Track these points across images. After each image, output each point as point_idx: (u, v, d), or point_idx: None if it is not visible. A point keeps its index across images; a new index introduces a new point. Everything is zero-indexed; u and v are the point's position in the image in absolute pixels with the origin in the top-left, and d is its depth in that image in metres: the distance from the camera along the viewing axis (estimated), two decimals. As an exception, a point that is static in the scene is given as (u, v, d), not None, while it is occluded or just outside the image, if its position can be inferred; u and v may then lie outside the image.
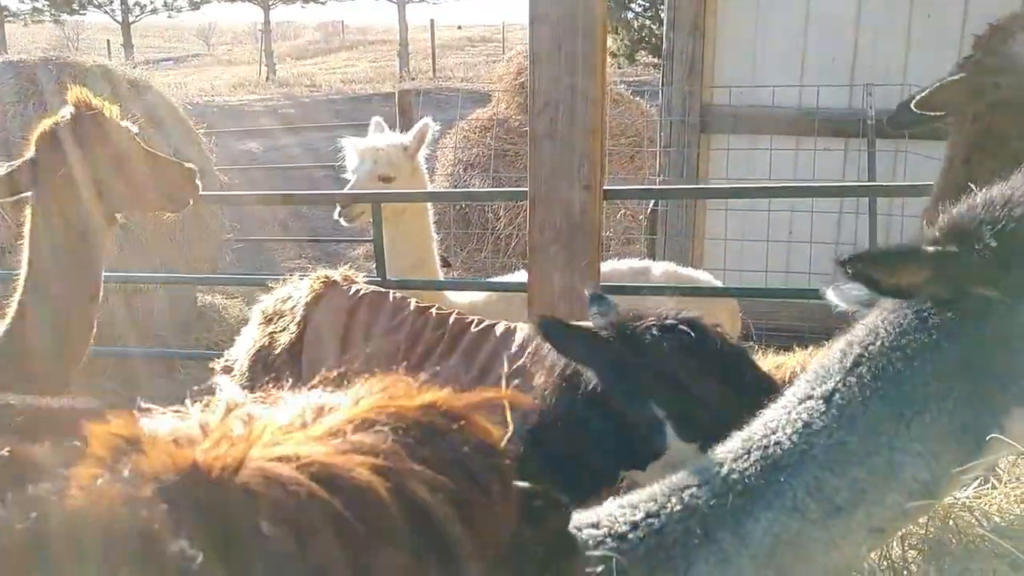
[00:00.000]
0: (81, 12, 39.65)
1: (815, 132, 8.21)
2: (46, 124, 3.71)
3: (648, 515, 1.81)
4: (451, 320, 3.54)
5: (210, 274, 8.46)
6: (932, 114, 3.11)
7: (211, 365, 3.87)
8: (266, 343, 3.60)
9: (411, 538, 0.88)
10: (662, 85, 9.06)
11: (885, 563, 2.03)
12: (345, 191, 5.60)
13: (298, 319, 3.56)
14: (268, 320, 3.66)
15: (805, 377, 1.82)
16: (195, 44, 58.55)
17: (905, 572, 2.00)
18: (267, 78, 33.59)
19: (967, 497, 2.09)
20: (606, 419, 2.30)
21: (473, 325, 3.51)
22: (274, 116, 24.05)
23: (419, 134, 5.68)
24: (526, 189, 4.38)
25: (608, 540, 1.82)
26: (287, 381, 3.42)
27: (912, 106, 3.09)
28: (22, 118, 7.54)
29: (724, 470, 1.77)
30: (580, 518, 1.93)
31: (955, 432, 1.66)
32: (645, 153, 12.01)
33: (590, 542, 1.84)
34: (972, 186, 1.76)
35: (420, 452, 0.92)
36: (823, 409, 1.73)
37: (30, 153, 3.70)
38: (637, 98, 13.87)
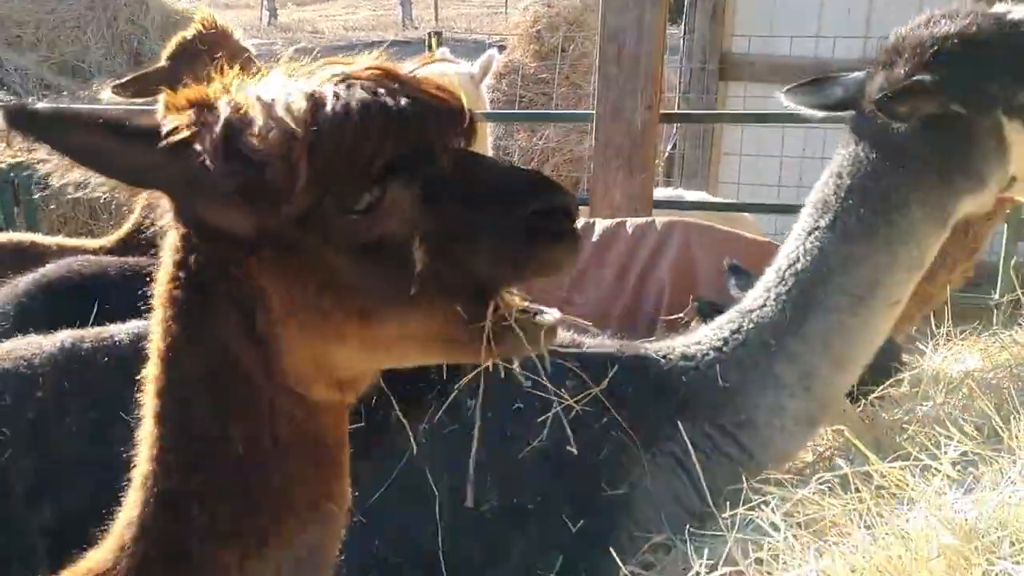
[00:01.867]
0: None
1: (830, 82, 8.64)
2: (178, 38, 4.17)
3: (733, 332, 2.40)
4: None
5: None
6: None
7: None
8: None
9: None
10: (684, 32, 9.44)
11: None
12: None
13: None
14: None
15: (807, 212, 2.46)
16: (188, -13, 57.71)
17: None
18: (268, 23, 33.48)
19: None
20: None
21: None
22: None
23: (485, 64, 6.10)
24: (589, 111, 4.85)
25: (711, 352, 2.42)
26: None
27: None
28: (81, 43, 7.88)
29: (772, 295, 2.44)
30: (685, 339, 2.52)
31: (929, 218, 2.34)
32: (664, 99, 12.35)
33: (698, 354, 2.44)
34: None
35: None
36: (829, 235, 2.37)
37: (161, 63, 4.16)
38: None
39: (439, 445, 2.32)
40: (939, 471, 2.12)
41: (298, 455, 1.35)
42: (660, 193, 6.19)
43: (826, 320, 2.35)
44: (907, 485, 2.06)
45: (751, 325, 2.43)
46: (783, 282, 2.42)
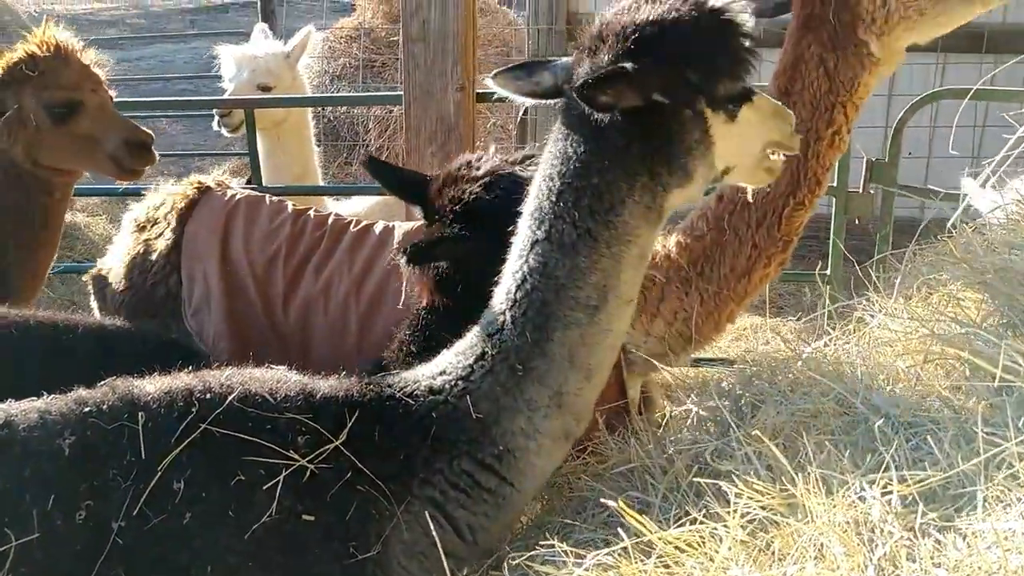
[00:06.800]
0: None
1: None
2: (5, 61, 3.53)
3: (477, 359, 2.26)
4: (330, 221, 3.60)
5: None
6: None
7: (83, 277, 3.81)
8: (141, 250, 3.56)
9: None
10: (529, -7, 9.10)
11: (733, 412, 2.32)
12: (221, 98, 5.48)
13: (173, 225, 3.53)
14: (142, 227, 3.61)
15: (526, 223, 2.26)
16: (24, -53, 53.48)
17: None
18: (110, -15, 31.22)
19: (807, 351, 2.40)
20: None
21: (352, 225, 3.58)
22: (123, 26, 22.54)
23: (301, 43, 5.60)
24: (401, 94, 4.43)
25: (459, 383, 2.26)
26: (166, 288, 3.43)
27: None
28: None
29: (508, 318, 2.24)
30: (428, 369, 2.24)
31: (643, 215, 2.20)
32: (513, 63, 11.99)
33: (445, 387, 2.14)
34: None
35: None
36: (550, 248, 2.20)
37: None
38: (504, 8, 13.77)
39: (142, 543, 1.93)
40: (728, 529, 1.86)
41: None
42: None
43: (567, 335, 2.21)
44: (692, 554, 1.78)
45: (495, 351, 2.24)
46: (516, 304, 2.23)
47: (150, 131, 3.81)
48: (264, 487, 2.01)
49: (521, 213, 2.55)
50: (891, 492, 1.75)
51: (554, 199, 2.19)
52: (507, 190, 2.64)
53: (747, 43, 2.19)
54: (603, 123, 2.12)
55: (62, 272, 5.96)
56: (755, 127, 2.27)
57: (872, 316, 2.54)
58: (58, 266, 5.98)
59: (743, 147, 2.28)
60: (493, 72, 2.39)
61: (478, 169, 2.75)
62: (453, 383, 2.26)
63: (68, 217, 8.84)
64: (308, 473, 2.06)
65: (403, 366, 2.73)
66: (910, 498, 1.75)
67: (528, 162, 2.77)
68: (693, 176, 2.20)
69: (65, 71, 3.58)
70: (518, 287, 2.23)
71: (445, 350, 2.36)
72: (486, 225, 2.59)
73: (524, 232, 2.25)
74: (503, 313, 2.24)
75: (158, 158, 3.82)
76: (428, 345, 2.72)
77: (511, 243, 2.56)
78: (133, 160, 3.73)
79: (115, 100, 3.87)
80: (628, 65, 2.07)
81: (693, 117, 2.17)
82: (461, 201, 2.66)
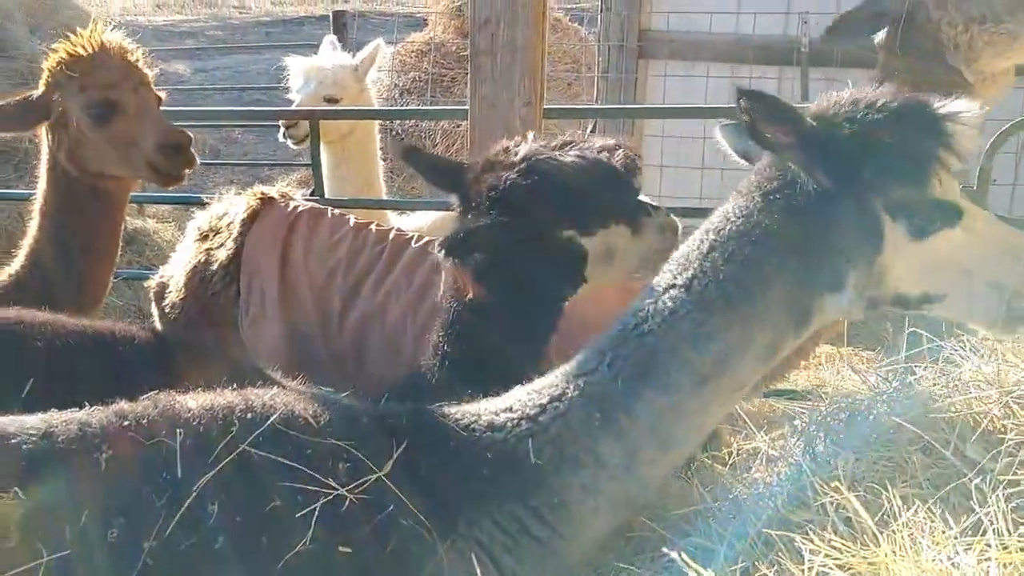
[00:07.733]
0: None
1: (750, 60, 8.26)
2: (52, 61, 3.48)
3: (552, 400, 2.09)
4: (391, 236, 3.54)
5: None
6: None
7: (145, 284, 3.81)
8: (202, 260, 3.55)
9: None
10: (601, 10, 8.99)
11: (808, 455, 2.16)
12: (285, 109, 5.50)
13: (235, 235, 3.51)
14: (204, 237, 3.60)
15: (668, 266, 2.11)
16: (114, -40, 55.39)
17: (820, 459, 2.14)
18: (192, -2, 32.10)
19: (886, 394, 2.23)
20: None
21: (413, 241, 3.51)
22: (201, 37, 23.13)
23: (370, 56, 5.57)
24: (467, 107, 4.35)
25: (523, 423, 2.09)
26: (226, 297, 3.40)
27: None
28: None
29: (608, 358, 2.07)
30: (494, 404, 2.11)
31: (788, 306, 2.01)
32: (583, 80, 11.93)
33: (507, 424, 2.03)
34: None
35: None
36: (684, 296, 2.03)
37: (38, 92, 3.52)
38: (575, 24, 13.72)
39: (172, 566, 1.85)
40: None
41: None
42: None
43: (663, 398, 2.01)
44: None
45: (576, 392, 2.07)
46: (623, 343, 2.06)
47: (188, 133, 3.57)
48: (300, 514, 1.92)
49: (557, 198, 2.46)
50: (989, 559, 1.58)
51: (704, 251, 2.05)
52: (545, 175, 2.52)
53: (950, 156, 1.95)
54: (771, 196, 1.99)
55: (129, 278, 6.01)
56: (965, 255, 1.99)
57: (963, 358, 2.35)
58: (126, 271, 6.10)
59: (944, 276, 2.00)
60: (723, 122, 2.28)
61: (515, 155, 2.63)
62: (516, 422, 2.10)
63: (138, 223, 9.04)
64: (348, 503, 1.96)
65: (440, 372, 2.63)
66: (1010, 567, 1.58)
67: (568, 147, 2.66)
68: (844, 285, 2.00)
69: (104, 71, 3.44)
70: (635, 327, 2.05)
71: (481, 348, 2.33)
72: (523, 212, 2.48)
73: (664, 276, 2.10)
74: (605, 353, 2.07)
75: (198, 162, 3.60)
76: (463, 345, 2.63)
77: (548, 230, 2.44)
78: (167, 162, 3.49)
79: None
80: (809, 120, 1.93)
81: (860, 218, 1.96)
82: (497, 188, 2.55)
